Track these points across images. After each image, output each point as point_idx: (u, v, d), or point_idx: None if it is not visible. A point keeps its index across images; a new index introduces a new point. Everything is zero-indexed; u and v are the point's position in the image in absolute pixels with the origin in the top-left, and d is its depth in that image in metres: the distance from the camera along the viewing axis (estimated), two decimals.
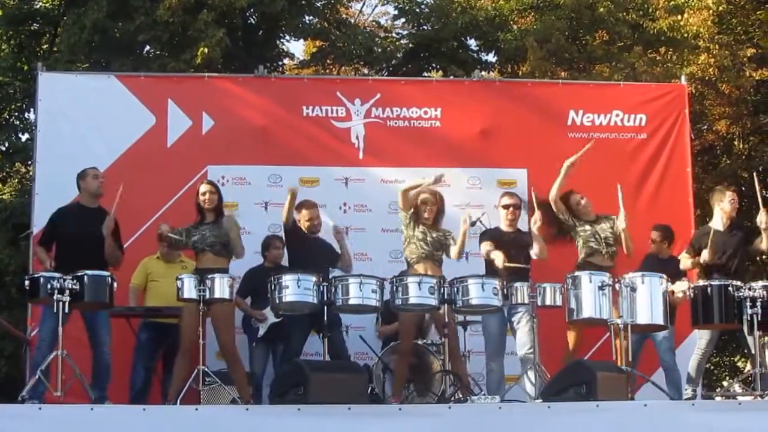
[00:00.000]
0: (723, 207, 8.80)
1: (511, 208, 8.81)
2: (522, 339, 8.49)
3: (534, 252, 8.62)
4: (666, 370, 9.06)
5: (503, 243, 8.61)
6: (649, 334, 8.80)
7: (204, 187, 8.52)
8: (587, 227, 8.69)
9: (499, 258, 8.38)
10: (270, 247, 9.34)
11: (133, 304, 9.21)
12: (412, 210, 8.54)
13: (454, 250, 8.48)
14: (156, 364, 9.06)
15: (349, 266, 8.97)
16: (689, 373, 8.78)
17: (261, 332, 9.14)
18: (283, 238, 9.15)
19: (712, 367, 13.83)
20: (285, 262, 9.17)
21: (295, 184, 9.53)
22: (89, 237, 8.28)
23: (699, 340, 8.73)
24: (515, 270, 8.48)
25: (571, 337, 8.52)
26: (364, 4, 22.92)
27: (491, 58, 17.85)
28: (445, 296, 7.92)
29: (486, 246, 8.62)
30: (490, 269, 8.54)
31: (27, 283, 7.87)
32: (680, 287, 8.52)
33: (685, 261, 8.86)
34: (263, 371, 9.20)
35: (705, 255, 8.51)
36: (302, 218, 8.93)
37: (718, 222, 8.79)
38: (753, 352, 8.06)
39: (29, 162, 13.58)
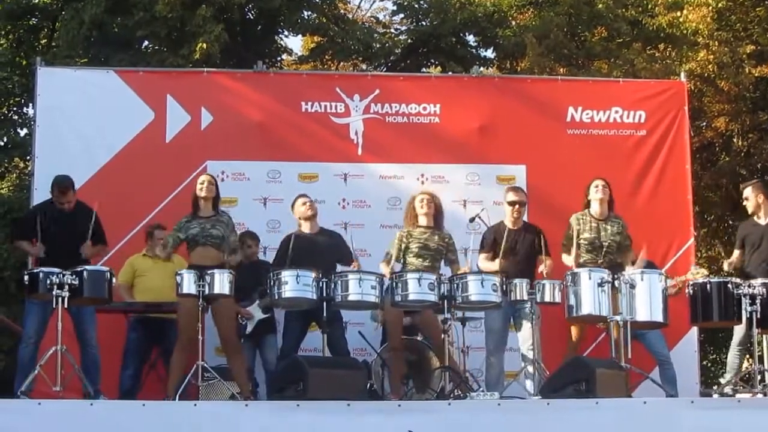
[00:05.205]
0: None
1: (516, 206, 8.80)
2: (523, 335, 8.50)
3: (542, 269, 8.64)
4: (661, 365, 9.01)
5: (510, 238, 8.61)
6: (638, 335, 8.66)
7: (203, 177, 8.49)
8: (587, 234, 8.68)
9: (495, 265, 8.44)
10: (243, 245, 9.09)
11: (127, 300, 9.16)
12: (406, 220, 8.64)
13: (458, 268, 8.49)
14: (156, 361, 9.02)
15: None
16: (728, 368, 8.84)
17: (249, 329, 9.08)
18: (257, 235, 9.31)
19: (709, 365, 13.83)
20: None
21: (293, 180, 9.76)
22: (69, 234, 8.24)
23: (734, 336, 8.77)
24: (520, 266, 8.54)
25: (573, 332, 8.53)
26: None
27: (490, 54, 17.91)
28: (445, 292, 7.91)
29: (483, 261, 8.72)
30: None
31: (26, 278, 7.81)
32: None
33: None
34: (252, 367, 9.16)
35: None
36: (296, 205, 8.91)
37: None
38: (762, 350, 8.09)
39: (28, 157, 13.60)
